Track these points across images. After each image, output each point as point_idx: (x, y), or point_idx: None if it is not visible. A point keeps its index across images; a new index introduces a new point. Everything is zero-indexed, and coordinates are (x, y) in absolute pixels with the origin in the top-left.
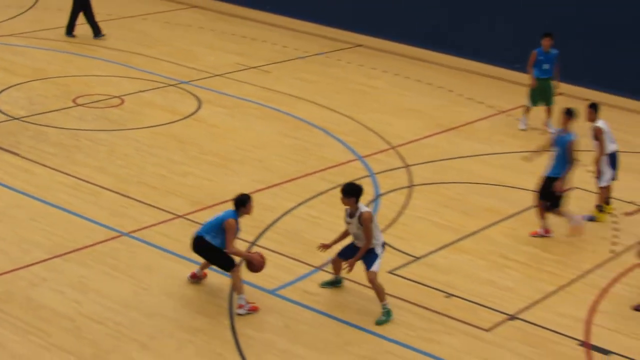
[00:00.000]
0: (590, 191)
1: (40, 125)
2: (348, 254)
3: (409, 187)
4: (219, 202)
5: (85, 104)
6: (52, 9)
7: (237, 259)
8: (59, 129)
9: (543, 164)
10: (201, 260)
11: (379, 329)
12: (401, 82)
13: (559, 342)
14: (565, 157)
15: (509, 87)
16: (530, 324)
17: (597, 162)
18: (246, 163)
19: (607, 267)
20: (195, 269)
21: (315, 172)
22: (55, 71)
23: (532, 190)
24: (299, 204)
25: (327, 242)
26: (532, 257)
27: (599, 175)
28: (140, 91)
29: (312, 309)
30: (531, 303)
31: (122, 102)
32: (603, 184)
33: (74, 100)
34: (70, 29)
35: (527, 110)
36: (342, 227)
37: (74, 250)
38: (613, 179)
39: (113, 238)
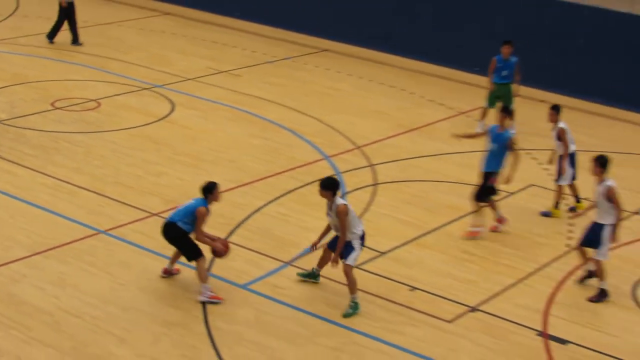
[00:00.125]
0: (547, 188)
1: (21, 127)
2: (334, 245)
3: (373, 185)
4: None
5: (64, 107)
6: (31, 17)
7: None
8: (38, 132)
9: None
10: (169, 253)
11: (346, 321)
12: (365, 85)
13: (518, 332)
14: (501, 153)
15: (469, 89)
16: (490, 315)
17: (563, 161)
18: (218, 163)
19: (563, 260)
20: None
21: (284, 172)
22: (34, 76)
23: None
24: (269, 202)
25: (314, 240)
26: (492, 252)
27: (558, 173)
28: (116, 95)
29: (281, 302)
30: (491, 295)
31: (99, 105)
32: (562, 182)
33: (52, 104)
34: (52, 35)
35: (485, 113)
36: (310, 224)
37: (53, 248)
38: (574, 178)
39: (91, 236)
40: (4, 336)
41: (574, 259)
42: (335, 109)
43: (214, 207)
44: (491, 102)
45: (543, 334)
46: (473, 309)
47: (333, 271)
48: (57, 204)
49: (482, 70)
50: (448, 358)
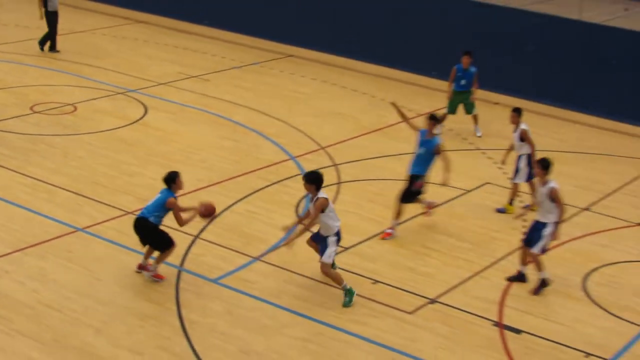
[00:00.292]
0: (501, 186)
1: (1, 131)
2: (318, 238)
3: (337, 184)
4: None
5: (42, 111)
6: (10, 26)
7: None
8: (17, 134)
9: (464, 164)
10: (144, 249)
11: (312, 313)
12: (328, 88)
13: (476, 322)
14: (429, 158)
15: (427, 92)
16: (449, 307)
17: (533, 159)
18: (189, 164)
19: (517, 254)
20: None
21: (252, 172)
22: (13, 81)
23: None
24: (238, 201)
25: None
26: (450, 246)
27: (515, 172)
28: (92, 99)
29: (250, 295)
30: (449, 288)
31: (75, 109)
32: (518, 180)
33: (31, 108)
34: (42, 43)
35: (444, 117)
36: (277, 221)
37: (33, 245)
38: (530, 176)
39: (68, 233)
40: None
41: (527, 253)
42: (300, 112)
43: (186, 205)
44: (452, 108)
45: (498, 324)
46: (432, 301)
47: (301, 265)
48: (37, 203)
49: (439, 75)
50: (409, 347)
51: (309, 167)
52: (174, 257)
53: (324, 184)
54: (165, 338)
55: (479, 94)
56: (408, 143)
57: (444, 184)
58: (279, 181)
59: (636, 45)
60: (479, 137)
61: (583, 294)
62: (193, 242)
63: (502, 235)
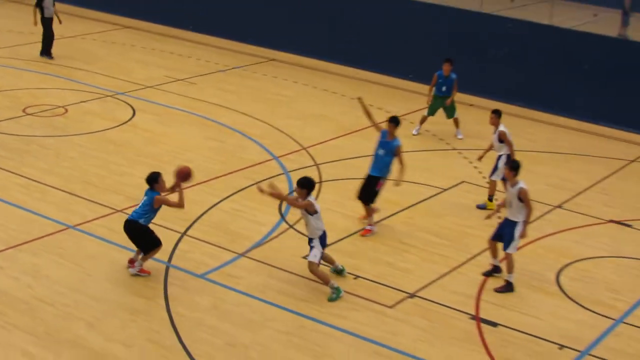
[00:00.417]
0: (476, 184)
1: None
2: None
3: (318, 183)
4: None
5: (34, 113)
6: (2, 31)
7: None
8: (11, 136)
9: (441, 164)
10: (134, 246)
11: (295, 308)
12: (309, 91)
13: (453, 316)
14: (388, 159)
15: (404, 94)
16: (427, 301)
17: (512, 158)
18: (176, 163)
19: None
20: (134, 251)
21: (236, 171)
22: (6, 85)
23: (425, 185)
24: (223, 199)
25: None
26: (427, 243)
27: (493, 170)
28: (82, 102)
29: (236, 290)
30: (428, 282)
31: (66, 111)
32: (495, 178)
33: (23, 110)
34: (48, 52)
35: (424, 119)
36: (261, 219)
37: (27, 242)
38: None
39: (61, 231)
40: None
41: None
42: (282, 114)
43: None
44: (431, 111)
45: (475, 318)
46: (411, 295)
47: (284, 261)
48: (30, 202)
49: (415, 78)
50: (389, 340)
51: (291, 166)
52: (163, 253)
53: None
54: (155, 331)
55: (457, 96)
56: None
57: (396, 185)
58: (262, 180)
59: (604, 49)
60: (460, 139)
61: (557, 289)
62: (180, 239)
63: (477, 231)
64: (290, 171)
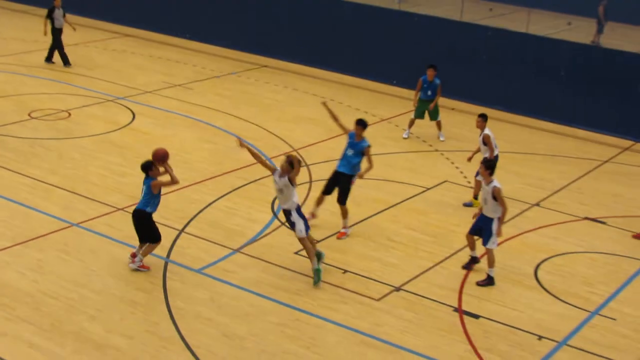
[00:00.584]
0: (458, 184)
1: (1, 135)
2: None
3: (309, 182)
4: None
5: (39, 117)
6: (7, 39)
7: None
8: (17, 138)
9: (425, 164)
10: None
11: (288, 300)
12: (300, 96)
13: (437, 308)
14: (357, 159)
15: (389, 99)
16: (412, 294)
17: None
18: (173, 164)
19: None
20: (135, 247)
21: (231, 172)
22: (12, 90)
23: (410, 184)
24: (219, 198)
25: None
26: (412, 239)
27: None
28: (84, 106)
29: (231, 284)
30: (413, 277)
31: (69, 115)
32: (480, 178)
33: (29, 114)
34: (65, 60)
35: (412, 122)
36: (254, 216)
37: (32, 239)
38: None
39: (64, 228)
40: None
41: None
42: (274, 117)
43: (171, 202)
44: (418, 113)
45: (458, 310)
46: (397, 289)
47: (277, 257)
48: (35, 201)
49: (399, 83)
50: (376, 331)
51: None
52: (162, 249)
53: (298, 182)
54: (154, 323)
55: (439, 101)
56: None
57: (360, 177)
58: (255, 180)
59: (578, 55)
60: (442, 141)
61: (535, 282)
62: (178, 235)
63: (460, 228)
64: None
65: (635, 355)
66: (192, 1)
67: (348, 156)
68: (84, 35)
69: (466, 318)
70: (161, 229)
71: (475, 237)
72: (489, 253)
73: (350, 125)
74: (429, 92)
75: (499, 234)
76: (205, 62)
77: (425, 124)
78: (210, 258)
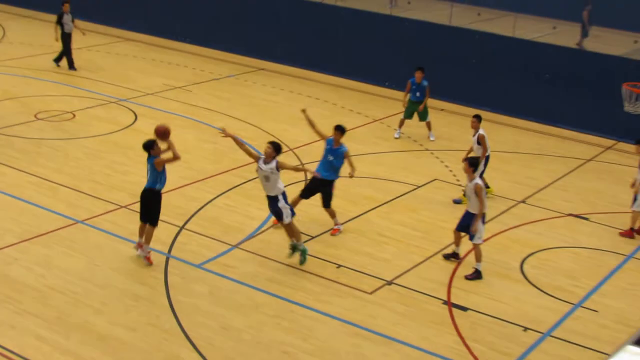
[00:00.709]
0: (447, 182)
1: (9, 135)
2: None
3: (304, 181)
4: None
5: (45, 118)
6: (15, 44)
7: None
8: (24, 139)
9: (415, 163)
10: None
11: (284, 293)
12: (295, 97)
13: (427, 301)
14: (338, 164)
15: (381, 100)
16: (403, 288)
17: (480, 160)
18: (174, 164)
19: (462, 241)
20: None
21: (229, 170)
22: (19, 92)
23: (401, 182)
24: (218, 196)
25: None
26: (403, 235)
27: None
28: (88, 107)
29: (230, 278)
30: (404, 271)
31: (74, 116)
32: None
33: (35, 116)
34: (71, 64)
35: (402, 122)
36: (252, 213)
37: (39, 235)
38: (482, 173)
39: (70, 225)
40: (0, 309)
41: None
42: (271, 118)
43: (172, 199)
44: (408, 114)
45: (447, 303)
46: (389, 283)
47: (274, 252)
48: (41, 199)
49: (391, 85)
50: (369, 323)
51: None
52: (163, 245)
53: (293, 180)
54: (156, 316)
55: (428, 102)
56: (365, 145)
57: (351, 176)
58: (253, 178)
59: (563, 59)
60: (432, 141)
61: (521, 276)
62: (179, 232)
63: (449, 224)
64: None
65: (616, 345)
66: (192, 7)
67: (330, 162)
68: (88, 40)
69: (455, 310)
70: (162, 225)
71: (463, 234)
72: (475, 248)
73: (329, 132)
74: (418, 94)
75: (473, 230)
76: (204, 65)
77: (416, 125)
78: (210, 253)
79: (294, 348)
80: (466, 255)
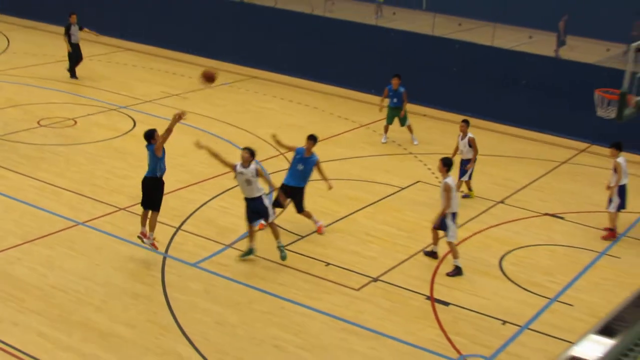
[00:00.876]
0: (430, 184)
1: (13, 141)
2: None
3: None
4: None
5: (47, 124)
6: (19, 53)
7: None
8: (27, 144)
9: (399, 166)
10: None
11: (275, 290)
12: (287, 104)
13: (411, 297)
14: (308, 172)
15: (367, 107)
16: (389, 284)
17: (472, 162)
18: (171, 168)
19: (444, 240)
20: (136, 244)
21: (224, 174)
22: (23, 100)
23: (386, 184)
24: (213, 198)
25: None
26: (389, 234)
27: (462, 173)
28: (89, 114)
29: (224, 276)
30: (389, 268)
31: (75, 123)
32: (463, 178)
33: (38, 122)
34: (73, 73)
35: (386, 128)
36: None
37: (41, 237)
38: (471, 175)
39: (71, 227)
40: (3, 307)
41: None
42: (264, 124)
43: (169, 202)
44: (389, 120)
45: (430, 298)
46: (375, 279)
47: (266, 252)
48: (43, 202)
49: (377, 92)
50: (356, 318)
51: (271, 169)
52: (160, 246)
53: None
54: (154, 313)
55: (411, 108)
56: (352, 149)
57: (330, 189)
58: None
59: (540, 67)
60: (416, 145)
61: (500, 273)
62: (176, 233)
63: (431, 224)
64: (271, 173)
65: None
66: (188, 19)
67: (300, 170)
68: (89, 50)
69: (437, 305)
70: (160, 226)
71: (442, 233)
72: (450, 246)
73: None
74: (395, 100)
75: (435, 225)
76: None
77: (400, 130)
78: (205, 253)
79: (286, 342)
80: (446, 254)
